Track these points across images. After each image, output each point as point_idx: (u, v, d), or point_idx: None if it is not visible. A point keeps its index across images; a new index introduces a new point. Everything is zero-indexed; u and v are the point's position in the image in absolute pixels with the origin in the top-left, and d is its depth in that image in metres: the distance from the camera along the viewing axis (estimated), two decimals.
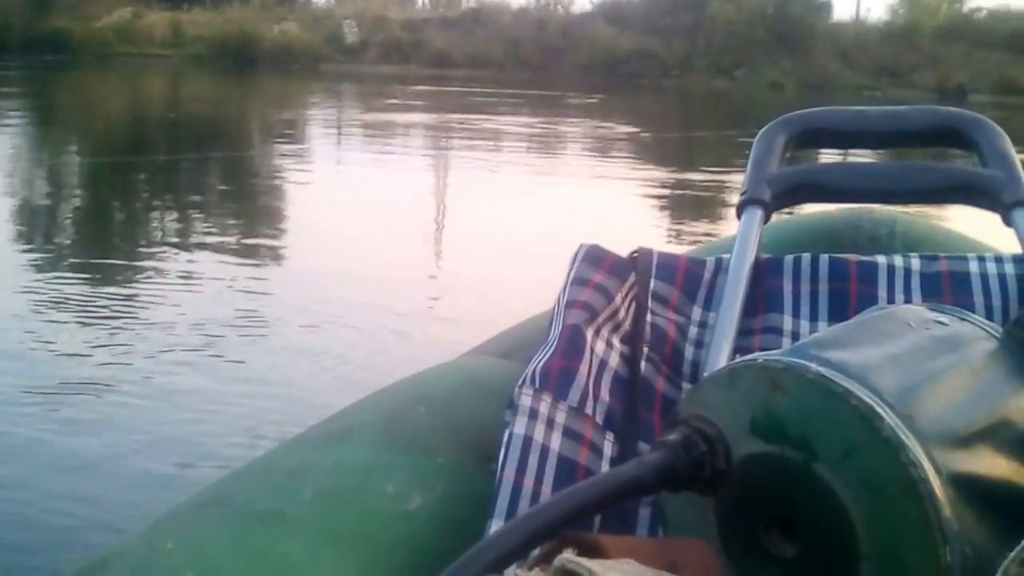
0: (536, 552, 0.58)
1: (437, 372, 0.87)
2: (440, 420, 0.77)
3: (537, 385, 0.74)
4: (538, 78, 23.16)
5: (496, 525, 0.66)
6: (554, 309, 0.85)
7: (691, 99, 21.95)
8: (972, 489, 0.57)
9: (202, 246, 5.49)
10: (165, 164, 8.76)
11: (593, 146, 12.05)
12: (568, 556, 0.56)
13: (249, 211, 7.00)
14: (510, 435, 0.71)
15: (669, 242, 6.03)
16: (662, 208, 7.70)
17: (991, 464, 0.60)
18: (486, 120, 14.01)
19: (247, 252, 5.46)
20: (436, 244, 6.06)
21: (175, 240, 5.77)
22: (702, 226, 6.78)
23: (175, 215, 6.72)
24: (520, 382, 0.75)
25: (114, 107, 14.98)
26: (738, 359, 0.64)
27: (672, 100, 21.63)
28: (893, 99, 21.97)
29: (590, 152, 11.44)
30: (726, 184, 8.59)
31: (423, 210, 7.07)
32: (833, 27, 26.44)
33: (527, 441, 0.71)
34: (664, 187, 8.59)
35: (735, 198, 1.08)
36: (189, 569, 0.60)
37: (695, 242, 6.00)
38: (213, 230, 6.11)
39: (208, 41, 25.90)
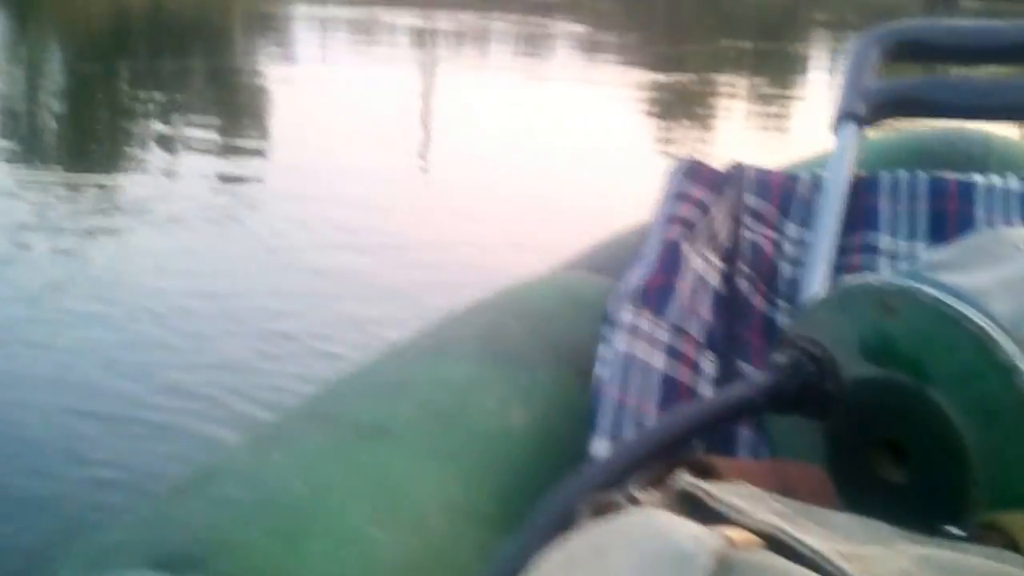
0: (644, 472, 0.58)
1: (530, 287, 0.86)
2: (536, 335, 0.76)
3: (638, 302, 0.74)
4: None
5: (600, 442, 0.66)
6: (650, 224, 0.84)
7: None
8: None
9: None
10: (148, 67, 8.58)
11: (575, 48, 11.94)
12: (686, 478, 0.56)
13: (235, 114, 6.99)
14: (612, 352, 0.71)
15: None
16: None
17: None
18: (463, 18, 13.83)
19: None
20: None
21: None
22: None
23: (161, 118, 6.62)
24: (619, 298, 0.75)
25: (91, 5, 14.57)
26: (847, 280, 0.63)
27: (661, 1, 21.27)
28: (884, 2, 21.64)
29: (576, 55, 11.34)
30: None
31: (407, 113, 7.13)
32: None
33: (629, 358, 0.71)
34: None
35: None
36: (297, 480, 0.59)
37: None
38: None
39: None
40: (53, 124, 6.44)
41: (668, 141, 6.40)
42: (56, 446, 2.25)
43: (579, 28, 13.90)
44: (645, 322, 0.73)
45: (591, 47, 11.75)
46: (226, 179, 4.74)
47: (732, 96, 8.69)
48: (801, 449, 0.63)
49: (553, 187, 4.84)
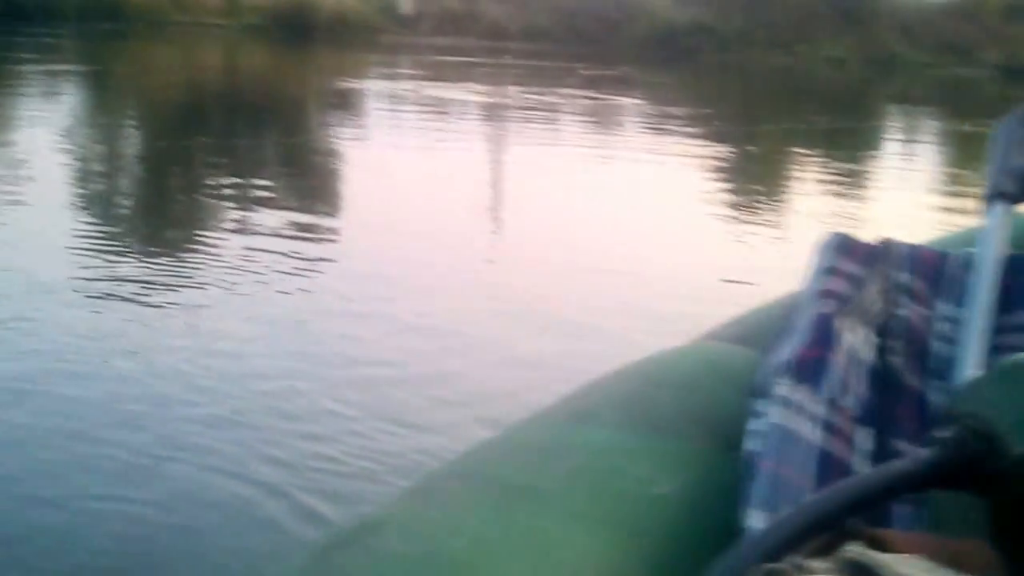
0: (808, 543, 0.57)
1: (675, 356, 0.87)
2: (682, 404, 0.77)
3: (792, 374, 0.74)
4: (593, 52, 22.98)
5: (756, 514, 0.65)
6: (797, 297, 0.84)
7: (752, 75, 21.66)
8: None
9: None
10: (224, 144, 8.83)
11: (646, 123, 12.04)
12: (859, 549, 0.55)
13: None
14: (766, 424, 0.71)
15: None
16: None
17: None
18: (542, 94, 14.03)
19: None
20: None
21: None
22: None
23: (237, 196, 6.79)
24: (771, 370, 0.75)
25: (170, 79, 15.07)
26: (1009, 358, 0.63)
27: (731, 78, 21.37)
28: (957, 77, 21.56)
29: (644, 130, 11.44)
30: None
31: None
32: (895, 2, 25.93)
33: (786, 431, 0.70)
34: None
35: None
36: (456, 538, 0.60)
37: None
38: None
39: (263, 11, 25.97)
40: (125, 194, 6.68)
41: (750, 223, 6.36)
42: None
43: (640, 103, 14.04)
44: (800, 395, 0.73)
45: (657, 126, 11.83)
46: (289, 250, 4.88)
47: (809, 176, 8.67)
48: (962, 525, 0.62)
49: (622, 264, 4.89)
